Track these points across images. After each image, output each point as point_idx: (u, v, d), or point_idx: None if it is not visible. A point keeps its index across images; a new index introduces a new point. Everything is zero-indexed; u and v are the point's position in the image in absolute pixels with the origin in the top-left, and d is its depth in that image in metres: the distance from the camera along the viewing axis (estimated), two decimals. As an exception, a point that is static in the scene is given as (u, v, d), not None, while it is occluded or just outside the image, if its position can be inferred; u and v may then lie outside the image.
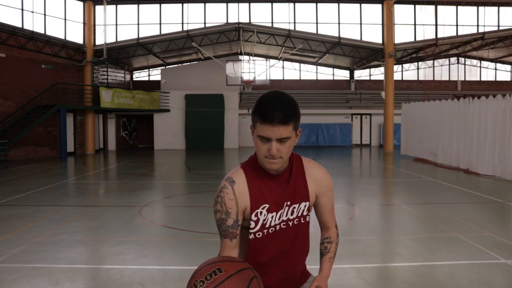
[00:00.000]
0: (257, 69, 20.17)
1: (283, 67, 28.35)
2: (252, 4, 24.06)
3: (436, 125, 15.64)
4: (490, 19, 24.52)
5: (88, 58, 21.84)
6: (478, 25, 24.28)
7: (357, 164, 16.83)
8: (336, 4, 23.69)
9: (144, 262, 4.77)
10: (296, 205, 1.69)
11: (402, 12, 23.76)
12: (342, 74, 28.67)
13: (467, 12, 24.40)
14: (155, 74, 28.55)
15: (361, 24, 23.78)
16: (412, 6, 24.04)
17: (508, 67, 29.20)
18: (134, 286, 4.08)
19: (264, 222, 1.65)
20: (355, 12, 23.78)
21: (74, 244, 5.50)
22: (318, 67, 28.54)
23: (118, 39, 23.08)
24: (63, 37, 20.95)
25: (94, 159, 18.69)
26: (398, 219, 6.99)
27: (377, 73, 28.06)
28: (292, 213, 1.69)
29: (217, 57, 23.96)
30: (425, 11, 23.51)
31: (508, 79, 29.25)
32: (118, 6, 23.62)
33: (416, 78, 28.47)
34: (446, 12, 23.94)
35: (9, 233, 6.05)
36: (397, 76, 26.59)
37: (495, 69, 29.04)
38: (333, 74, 28.73)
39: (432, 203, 8.14)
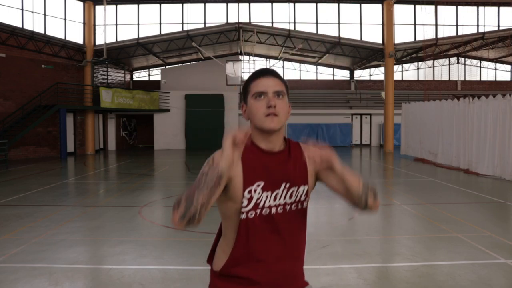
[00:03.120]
0: (257, 69, 20.16)
1: (283, 67, 28.34)
2: (252, 4, 24.06)
3: (436, 125, 15.64)
4: (490, 19, 24.53)
5: (88, 58, 21.84)
6: (478, 25, 24.29)
7: (357, 164, 16.82)
8: (336, 4, 23.69)
9: (144, 262, 4.77)
10: (295, 188, 1.59)
11: (402, 12, 23.76)
12: (342, 74, 28.68)
13: (467, 12, 24.40)
14: (155, 74, 28.56)
15: (361, 24, 23.78)
16: (412, 6, 24.04)
17: (508, 67, 29.20)
18: (134, 286, 4.09)
19: (258, 201, 1.54)
20: (355, 12, 23.79)
21: (74, 244, 5.50)
22: (318, 67, 28.54)
23: (118, 39, 23.08)
24: (63, 37, 20.96)
25: (94, 159, 18.69)
26: (398, 219, 6.99)
27: (377, 73, 28.06)
28: (290, 197, 1.58)
29: (217, 57, 23.96)
30: (425, 11, 23.51)
31: (508, 79, 29.25)
32: (118, 6, 23.62)
33: (416, 78, 28.47)
34: (446, 12, 23.94)
35: (9, 233, 6.05)
36: (397, 76, 26.59)
37: (495, 69, 29.04)
38: (333, 74, 28.73)
39: (432, 203, 8.14)
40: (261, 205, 1.55)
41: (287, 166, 1.59)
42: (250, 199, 1.53)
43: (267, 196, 1.55)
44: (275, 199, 1.56)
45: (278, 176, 1.57)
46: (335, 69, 28.66)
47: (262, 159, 1.57)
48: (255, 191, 1.54)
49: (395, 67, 24.89)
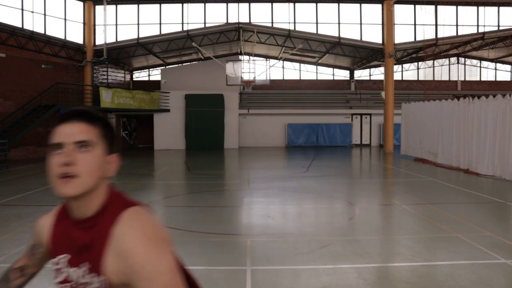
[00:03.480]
0: (257, 69, 20.16)
1: (283, 67, 28.36)
2: (252, 4, 24.07)
3: (436, 125, 15.64)
4: (490, 19, 24.53)
5: (88, 58, 21.84)
6: (478, 25, 24.29)
7: (357, 164, 16.82)
8: (336, 4, 23.70)
9: (144, 262, 4.76)
10: (91, 276, 1.18)
11: (402, 12, 23.77)
12: (342, 74, 28.68)
13: (467, 12, 24.41)
14: (155, 74, 28.56)
15: (361, 24, 23.79)
16: (412, 6, 24.05)
17: (508, 67, 29.20)
18: (134, 286, 4.08)
19: (67, 277, 1.23)
20: (355, 12, 23.79)
21: (74, 244, 5.49)
22: (318, 67, 28.55)
23: (118, 39, 23.09)
24: (63, 37, 20.96)
25: (94, 159, 18.66)
26: (398, 219, 6.99)
27: (377, 73, 28.07)
28: (96, 282, 1.18)
29: (217, 57, 23.96)
30: (425, 11, 23.52)
31: (508, 79, 29.25)
32: (118, 6, 23.62)
33: (416, 78, 28.48)
34: (446, 12, 23.94)
35: (9, 233, 6.05)
36: (397, 76, 26.60)
37: (495, 69, 29.04)
38: (333, 74, 28.74)
39: (432, 203, 8.14)
40: (72, 280, 1.23)
41: (84, 242, 1.20)
42: (58, 271, 1.27)
43: (74, 271, 1.22)
44: (84, 276, 1.21)
45: (80, 253, 1.21)
46: (335, 69, 28.66)
47: (71, 228, 1.24)
48: (60, 264, 1.26)
49: (395, 67, 24.90)
